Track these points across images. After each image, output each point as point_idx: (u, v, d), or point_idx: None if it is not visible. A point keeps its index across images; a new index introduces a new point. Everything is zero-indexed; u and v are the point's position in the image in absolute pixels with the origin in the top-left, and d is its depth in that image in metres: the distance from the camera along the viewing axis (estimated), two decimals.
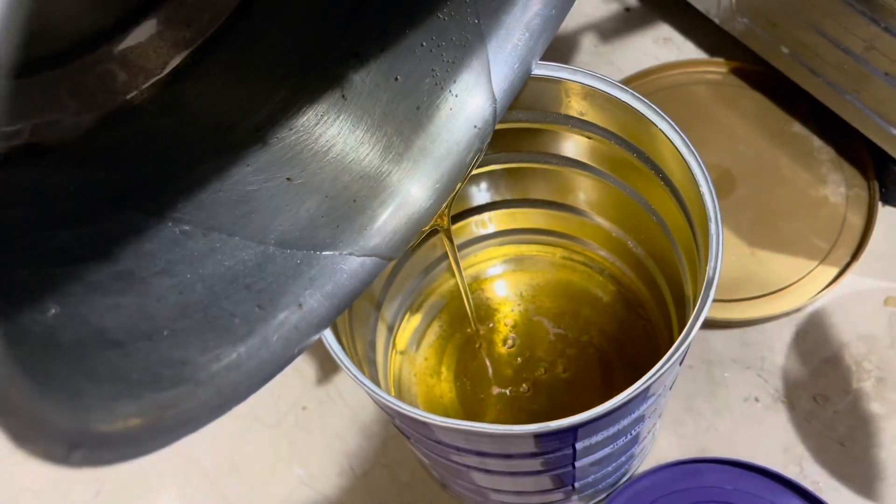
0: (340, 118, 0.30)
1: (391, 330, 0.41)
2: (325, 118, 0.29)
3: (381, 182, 0.30)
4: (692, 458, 0.39)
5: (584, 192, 0.38)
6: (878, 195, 0.45)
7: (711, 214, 0.28)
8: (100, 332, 0.21)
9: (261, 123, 0.29)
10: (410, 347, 0.42)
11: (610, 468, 0.34)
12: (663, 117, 0.30)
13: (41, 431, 0.16)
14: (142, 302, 0.23)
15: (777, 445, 0.41)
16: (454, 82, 0.30)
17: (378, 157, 0.30)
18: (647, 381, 0.25)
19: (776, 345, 0.43)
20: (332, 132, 0.29)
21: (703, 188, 0.28)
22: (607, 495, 0.39)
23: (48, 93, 0.26)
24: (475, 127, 0.30)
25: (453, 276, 0.43)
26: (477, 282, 0.44)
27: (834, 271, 0.44)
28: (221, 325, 0.25)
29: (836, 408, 0.41)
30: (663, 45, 0.54)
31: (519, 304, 0.43)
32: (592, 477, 0.34)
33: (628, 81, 0.51)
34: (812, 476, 0.40)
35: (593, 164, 0.35)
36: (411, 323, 0.43)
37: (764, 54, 0.47)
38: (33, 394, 0.16)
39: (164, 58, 0.29)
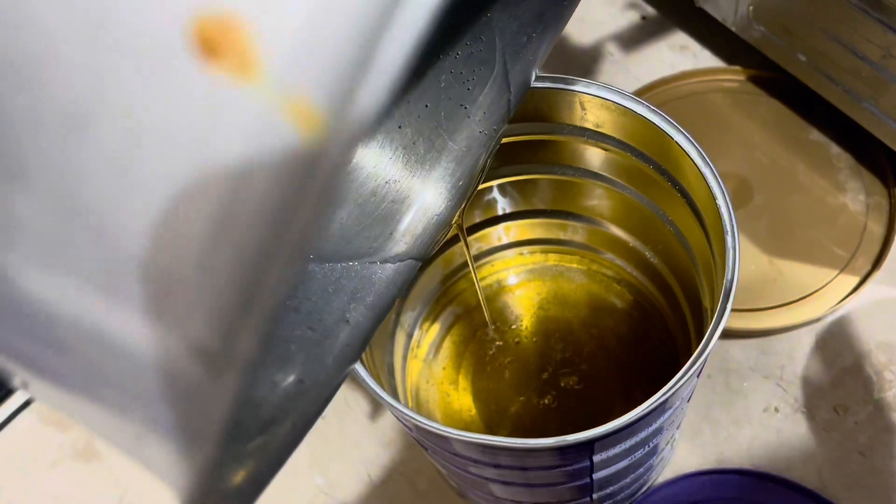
0: None
1: (409, 338, 0.41)
2: None
3: (405, 185, 0.30)
4: (710, 469, 0.39)
5: (601, 202, 0.38)
6: None
7: (728, 227, 0.28)
8: None
9: None
10: (429, 355, 0.43)
11: (628, 479, 0.34)
12: (679, 130, 0.30)
13: None
14: None
15: (796, 455, 0.41)
16: (469, 78, 0.30)
17: (400, 160, 0.30)
18: (664, 394, 0.25)
19: (796, 354, 0.43)
20: None
21: (720, 200, 0.28)
22: None
23: None
24: (492, 121, 0.30)
25: (471, 284, 0.43)
26: (496, 291, 0.44)
27: (854, 280, 0.43)
28: (280, 355, 0.24)
29: (856, 418, 0.41)
30: (680, 54, 0.54)
31: (537, 314, 0.43)
32: (611, 488, 0.34)
33: (645, 90, 0.52)
34: (832, 487, 0.40)
35: (610, 176, 0.36)
36: (430, 331, 0.43)
37: (781, 62, 0.47)
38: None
39: None
